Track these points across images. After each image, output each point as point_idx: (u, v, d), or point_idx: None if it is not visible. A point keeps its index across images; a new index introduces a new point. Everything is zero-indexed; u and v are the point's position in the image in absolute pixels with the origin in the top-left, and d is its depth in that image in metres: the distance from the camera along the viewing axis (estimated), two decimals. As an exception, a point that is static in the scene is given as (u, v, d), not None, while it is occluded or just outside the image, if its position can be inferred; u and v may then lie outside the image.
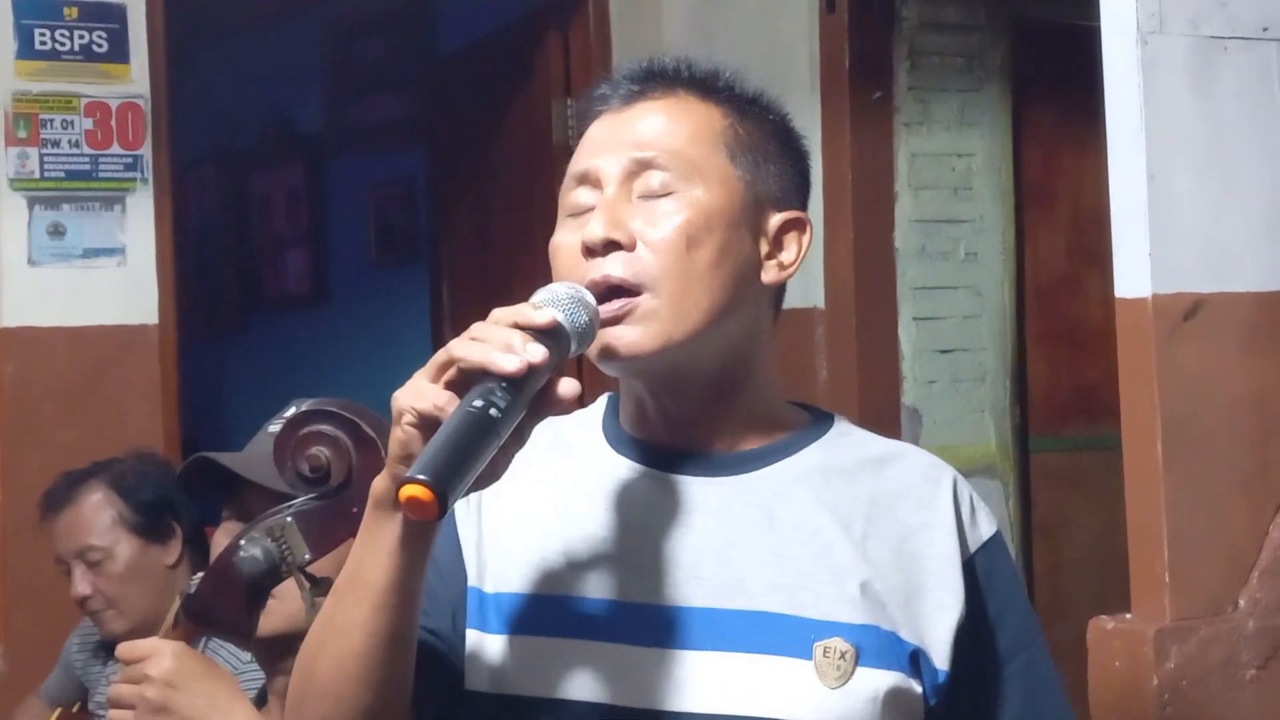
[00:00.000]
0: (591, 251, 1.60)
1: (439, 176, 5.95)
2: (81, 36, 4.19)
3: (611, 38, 4.97)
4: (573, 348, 1.52)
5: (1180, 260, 2.72)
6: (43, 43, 4.16)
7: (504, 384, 1.41)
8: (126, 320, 4.24)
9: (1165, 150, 2.71)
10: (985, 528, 1.70)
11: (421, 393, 1.44)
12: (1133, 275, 2.72)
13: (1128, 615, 2.74)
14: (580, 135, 1.74)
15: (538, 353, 1.44)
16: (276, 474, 2.07)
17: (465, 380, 1.43)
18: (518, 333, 1.45)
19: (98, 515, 3.20)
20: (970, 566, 1.66)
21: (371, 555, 1.50)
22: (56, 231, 4.16)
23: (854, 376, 4.32)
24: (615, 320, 1.59)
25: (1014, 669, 1.69)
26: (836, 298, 4.35)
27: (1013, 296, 4.64)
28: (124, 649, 2.05)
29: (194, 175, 7.09)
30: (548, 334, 1.47)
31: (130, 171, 4.24)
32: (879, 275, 4.39)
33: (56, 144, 4.17)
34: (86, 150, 4.19)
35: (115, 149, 4.22)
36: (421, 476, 1.35)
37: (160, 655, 2.01)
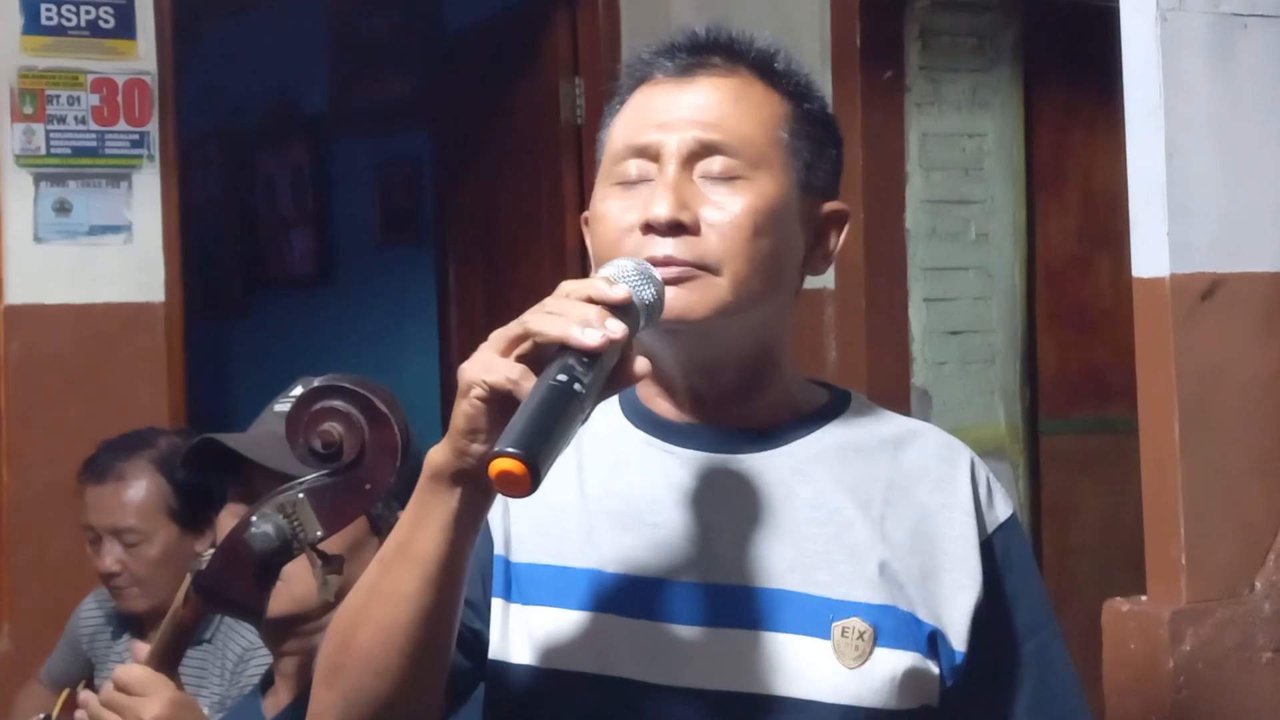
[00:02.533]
0: (653, 229, 1.58)
1: (445, 157, 5.93)
2: (88, 12, 4.17)
3: (620, 17, 4.94)
4: (641, 324, 1.50)
5: (1198, 240, 2.70)
6: (49, 18, 4.14)
7: (585, 359, 1.39)
8: (132, 298, 4.23)
9: (1184, 128, 2.70)
10: (1002, 509, 1.70)
11: (491, 365, 1.41)
12: (1150, 255, 2.71)
13: (1143, 597, 2.73)
14: (621, 94, 1.70)
15: (618, 328, 1.41)
16: (282, 454, 2.06)
17: (539, 355, 1.41)
18: (595, 307, 1.43)
19: (145, 499, 3.17)
20: (988, 547, 1.66)
21: (424, 527, 1.48)
22: (62, 208, 4.14)
23: (863, 357, 4.31)
24: (674, 282, 1.56)
25: (1028, 651, 1.69)
26: (846, 278, 4.34)
27: (1023, 278, 4.62)
28: (122, 675, 2.03)
29: (199, 154, 7.07)
30: (620, 309, 1.45)
31: (137, 148, 4.22)
32: (889, 256, 4.37)
33: (63, 120, 4.15)
34: (93, 127, 4.18)
35: (122, 125, 4.20)
36: (514, 450, 1.32)
37: (155, 699, 2.00)
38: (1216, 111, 2.73)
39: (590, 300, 1.43)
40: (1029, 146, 4.64)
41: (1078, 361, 4.77)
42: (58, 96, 4.15)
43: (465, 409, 1.42)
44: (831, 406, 1.72)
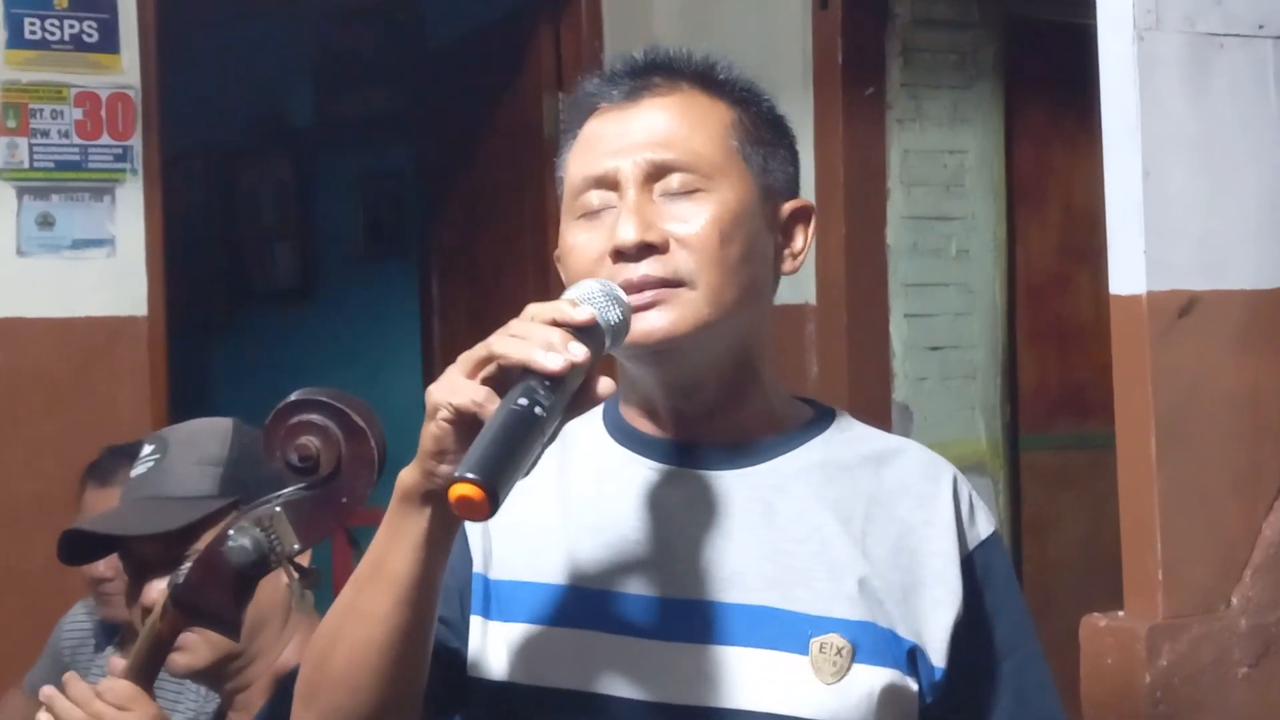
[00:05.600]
0: (623, 255, 1.59)
1: (428, 170, 5.93)
2: (72, 26, 4.17)
3: (603, 31, 4.96)
4: (607, 344, 1.51)
5: (1175, 257, 2.71)
6: (33, 32, 4.14)
7: (547, 382, 1.40)
8: (115, 312, 4.23)
9: (1161, 147, 2.71)
10: (984, 526, 1.70)
11: (456, 388, 1.42)
12: (1127, 272, 2.71)
13: (1120, 613, 2.73)
14: (571, 128, 1.72)
15: (580, 351, 1.42)
16: (147, 516, 2.08)
17: (504, 377, 1.42)
18: (558, 330, 1.43)
19: None
20: (969, 564, 1.67)
21: (396, 548, 1.49)
22: (45, 222, 4.14)
23: (845, 373, 4.32)
24: (648, 307, 1.58)
25: (1007, 668, 1.69)
26: (828, 294, 4.35)
27: (1004, 294, 4.64)
28: (108, 688, 2.04)
29: (182, 168, 7.05)
30: (585, 331, 1.46)
31: (120, 162, 4.22)
32: (870, 272, 4.39)
33: (46, 134, 4.15)
34: (76, 140, 4.17)
35: (105, 139, 4.20)
36: (473, 476, 1.33)
37: (135, 716, 2.01)
38: (1193, 130, 2.74)
39: (555, 323, 1.44)
40: (1009, 163, 4.67)
41: (1058, 377, 4.79)
42: (41, 110, 4.15)
43: (432, 431, 1.43)
44: (815, 423, 1.73)
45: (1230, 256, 2.78)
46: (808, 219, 1.72)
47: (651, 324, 1.57)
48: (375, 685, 1.52)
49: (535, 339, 1.42)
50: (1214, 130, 2.77)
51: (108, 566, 3.15)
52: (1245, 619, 2.74)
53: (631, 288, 1.57)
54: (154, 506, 2.21)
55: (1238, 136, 2.79)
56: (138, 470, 2.26)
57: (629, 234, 1.59)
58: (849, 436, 1.72)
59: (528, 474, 1.42)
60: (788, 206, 1.70)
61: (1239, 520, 2.77)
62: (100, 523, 2.28)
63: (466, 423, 1.40)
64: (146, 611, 2.10)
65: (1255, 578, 2.76)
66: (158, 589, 2.12)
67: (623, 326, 1.53)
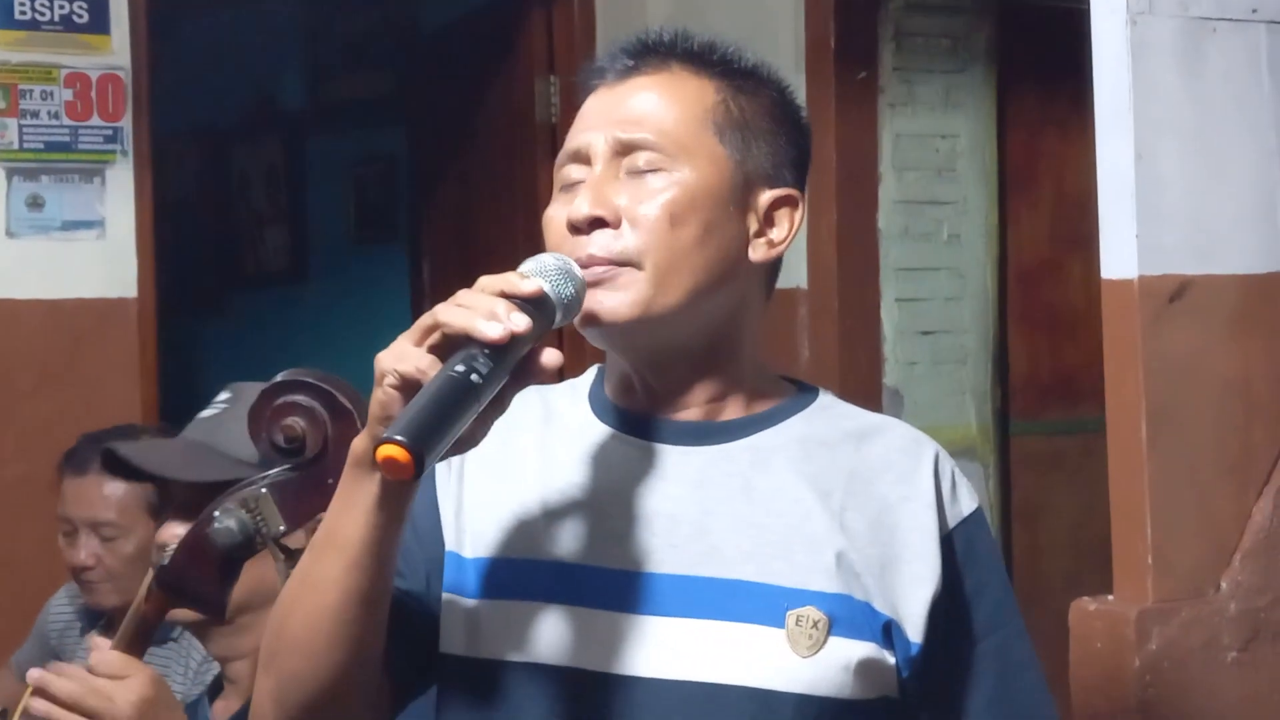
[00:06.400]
0: (577, 229, 1.62)
1: (420, 154, 5.92)
2: (62, 6, 4.15)
3: (596, 15, 4.95)
4: (558, 318, 1.53)
5: (1167, 242, 2.71)
6: (22, 12, 4.12)
7: (486, 350, 1.42)
8: (105, 294, 4.22)
9: (1153, 131, 2.70)
10: (966, 503, 1.71)
11: (404, 355, 1.44)
12: (1119, 256, 2.71)
13: (1110, 597, 2.74)
14: (570, 111, 1.75)
15: (521, 321, 1.44)
16: (191, 462, 2.07)
17: (448, 345, 1.44)
18: (503, 301, 1.46)
19: (125, 493, 3.15)
20: (949, 541, 1.67)
21: (348, 513, 1.51)
22: (35, 203, 4.13)
23: (835, 357, 4.32)
24: (597, 283, 1.59)
25: (988, 646, 1.69)
26: (819, 278, 4.35)
27: (995, 279, 4.64)
28: (98, 660, 2.03)
29: (173, 150, 7.03)
30: (533, 303, 1.48)
31: (110, 144, 4.21)
32: (862, 256, 4.39)
33: (36, 115, 4.14)
34: (66, 121, 4.16)
35: (95, 120, 4.19)
36: (399, 437, 1.35)
37: (135, 681, 2.01)
38: (1186, 114, 2.74)
39: (503, 294, 1.47)
40: (1001, 148, 4.66)
41: (1049, 362, 4.79)
42: (31, 91, 4.14)
43: (379, 396, 1.45)
44: (796, 400, 1.73)
45: (1222, 241, 2.78)
46: (793, 206, 1.71)
47: (598, 302, 1.59)
48: (329, 650, 1.54)
49: (479, 308, 1.44)
50: (1207, 114, 2.76)
51: (88, 555, 3.15)
52: (1234, 603, 2.75)
53: (582, 263, 1.59)
54: (202, 454, 2.20)
55: (1230, 121, 2.79)
56: (206, 412, 2.25)
57: (581, 207, 1.61)
58: (831, 414, 1.73)
59: (475, 444, 1.47)
60: (771, 194, 1.69)
61: (1229, 505, 2.78)
62: (147, 455, 2.26)
63: (411, 389, 1.42)
64: (159, 548, 2.08)
65: (1245, 562, 2.76)
66: (172, 531, 2.11)
67: (575, 302, 1.55)
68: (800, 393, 1.75)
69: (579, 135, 1.68)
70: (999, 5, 4.62)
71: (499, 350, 1.43)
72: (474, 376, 1.41)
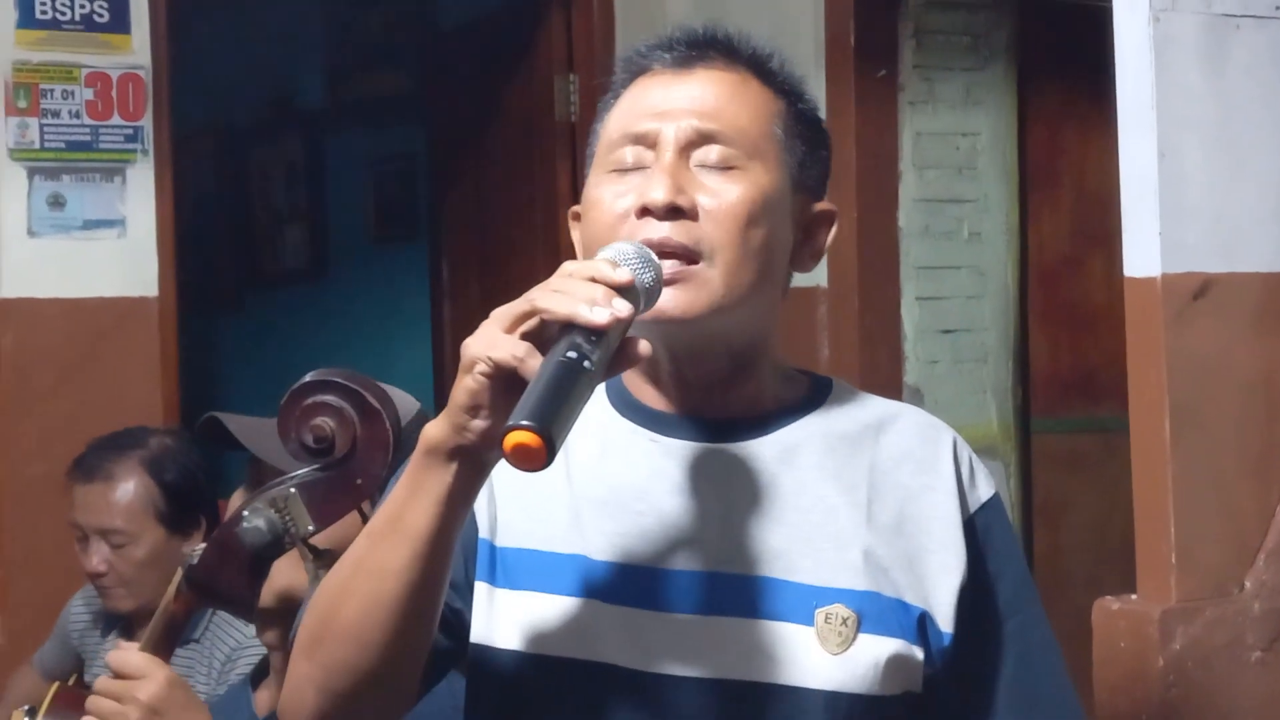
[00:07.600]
0: (650, 213, 1.60)
1: (439, 152, 5.93)
2: (83, 6, 4.16)
3: (615, 14, 4.95)
4: (641, 306, 1.51)
5: (1190, 240, 2.70)
6: (43, 12, 4.13)
7: (592, 337, 1.40)
8: (125, 292, 4.23)
9: (1176, 129, 2.69)
10: (984, 489, 1.72)
11: (495, 342, 1.42)
12: (1142, 254, 2.71)
13: (1133, 596, 2.73)
14: (617, 87, 1.72)
15: (625, 307, 1.43)
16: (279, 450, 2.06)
17: (542, 333, 1.42)
18: (600, 286, 1.44)
19: (132, 500, 3.15)
20: (970, 526, 1.68)
21: (416, 502, 1.48)
22: (56, 202, 4.14)
23: (856, 356, 4.32)
24: (670, 281, 1.58)
25: (1009, 630, 1.70)
26: (840, 277, 4.35)
27: (1016, 277, 4.63)
28: (116, 660, 2.04)
29: (193, 148, 7.05)
30: (623, 292, 1.46)
31: (131, 143, 4.22)
32: (882, 254, 4.38)
33: (57, 114, 4.14)
34: (87, 121, 4.17)
35: (116, 120, 4.20)
36: (529, 424, 1.33)
37: (151, 679, 2.01)
38: (1209, 112, 2.73)
39: (594, 281, 1.44)
40: (1022, 145, 4.66)
41: (1070, 360, 4.78)
42: (52, 90, 4.14)
43: (468, 384, 1.42)
44: (814, 394, 1.74)
45: (1246, 239, 2.77)
46: (830, 223, 1.73)
47: (670, 299, 1.58)
48: (384, 640, 1.52)
49: (579, 294, 1.42)
50: (1230, 111, 2.75)
51: (100, 561, 3.15)
52: (1259, 603, 2.74)
53: (651, 246, 1.56)
54: None
55: (1254, 118, 2.78)
56: None
57: (660, 194, 1.59)
58: (847, 405, 1.73)
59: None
60: (817, 207, 1.71)
61: (1253, 503, 2.77)
62: (248, 430, 2.25)
63: (505, 378, 1.40)
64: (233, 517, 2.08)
65: (1269, 561, 2.76)
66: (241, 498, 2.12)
67: (655, 291, 1.53)
68: (815, 386, 1.76)
69: (641, 119, 1.65)
70: (1019, 2, 4.61)
71: (601, 337, 1.40)
72: (586, 363, 1.38)
